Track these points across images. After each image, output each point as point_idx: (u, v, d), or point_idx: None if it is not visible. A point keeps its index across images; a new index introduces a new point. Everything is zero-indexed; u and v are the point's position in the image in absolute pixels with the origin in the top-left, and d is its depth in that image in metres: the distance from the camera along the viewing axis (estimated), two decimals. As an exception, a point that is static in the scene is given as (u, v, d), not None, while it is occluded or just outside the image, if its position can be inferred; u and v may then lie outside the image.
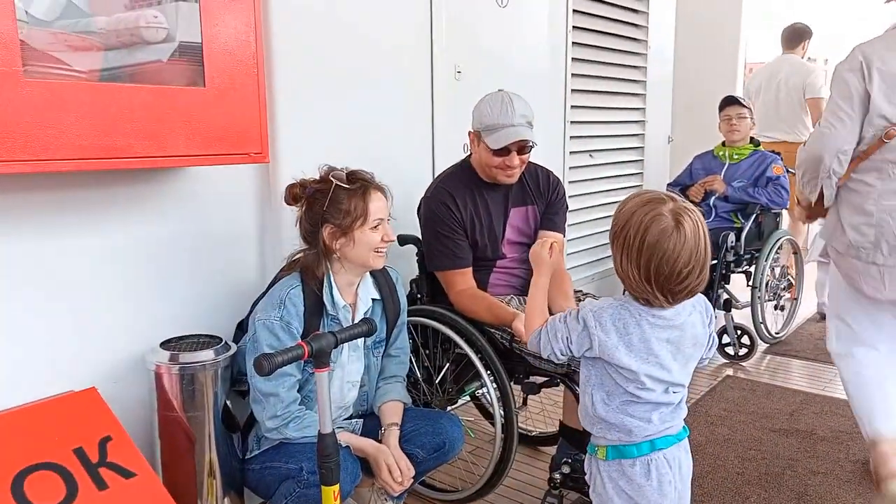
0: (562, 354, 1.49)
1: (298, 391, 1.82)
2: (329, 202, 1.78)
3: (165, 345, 1.84)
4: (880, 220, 2.08)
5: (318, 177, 1.84)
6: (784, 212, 4.01)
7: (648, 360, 1.41)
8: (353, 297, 1.91)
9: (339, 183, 1.78)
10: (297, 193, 1.84)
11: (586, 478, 1.57)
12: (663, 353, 1.42)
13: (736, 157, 3.77)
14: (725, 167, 3.76)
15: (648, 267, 1.33)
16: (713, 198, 3.70)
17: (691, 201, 3.56)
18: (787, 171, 3.76)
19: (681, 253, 1.32)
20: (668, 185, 3.99)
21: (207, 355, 1.80)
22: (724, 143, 3.85)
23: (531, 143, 2.17)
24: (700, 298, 1.49)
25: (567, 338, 1.46)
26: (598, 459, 1.51)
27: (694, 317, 1.47)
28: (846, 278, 2.24)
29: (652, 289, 1.35)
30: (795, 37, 4.84)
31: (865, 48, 2.10)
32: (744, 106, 3.77)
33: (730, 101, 3.79)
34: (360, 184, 1.80)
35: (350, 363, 1.91)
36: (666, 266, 1.32)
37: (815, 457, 2.61)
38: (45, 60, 1.45)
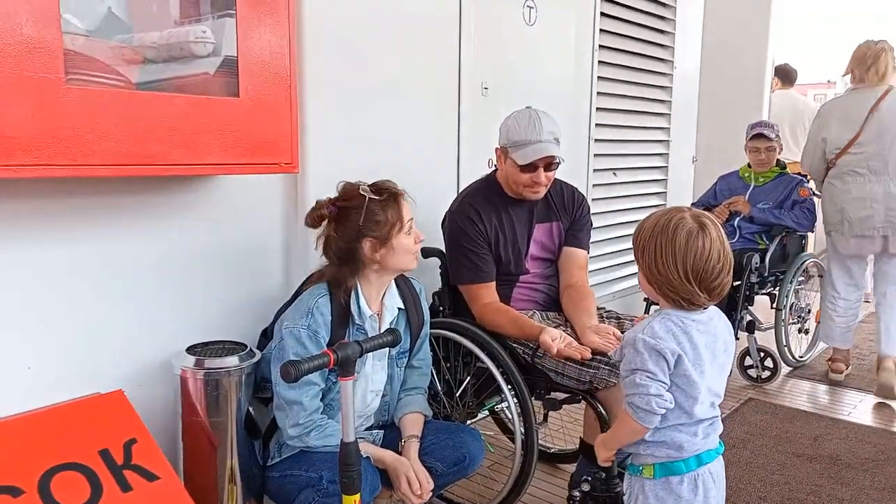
0: (665, 392, 1.39)
1: (321, 400, 1.83)
2: (365, 216, 1.79)
3: (191, 350, 1.86)
4: (842, 209, 3.39)
5: (336, 194, 1.85)
6: (810, 234, 3.97)
7: (700, 367, 1.42)
8: (379, 306, 1.92)
9: (372, 196, 1.80)
10: (325, 214, 1.83)
11: (625, 498, 1.55)
12: (707, 358, 1.43)
13: (762, 179, 3.75)
14: (751, 189, 3.74)
15: (686, 264, 1.38)
16: (738, 219, 3.68)
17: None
18: (814, 193, 3.73)
19: (711, 251, 1.38)
20: (692, 204, 3.97)
21: (232, 361, 1.82)
22: (749, 165, 3.82)
23: (558, 160, 2.18)
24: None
25: (650, 375, 1.38)
26: (643, 479, 1.48)
27: (721, 323, 1.49)
28: (830, 241, 3.55)
29: (693, 286, 1.39)
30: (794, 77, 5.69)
31: (827, 106, 3.56)
32: (772, 139, 3.72)
33: (758, 136, 3.71)
34: (388, 193, 1.83)
35: (374, 373, 1.92)
36: (701, 261, 1.38)
37: (840, 483, 2.57)
38: (88, 69, 1.50)
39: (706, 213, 1.44)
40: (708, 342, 1.44)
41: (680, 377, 1.41)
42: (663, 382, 1.39)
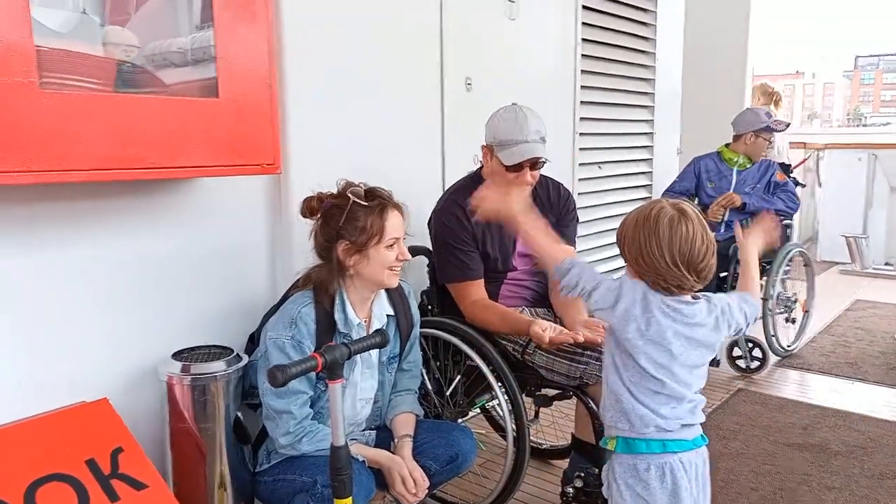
0: (582, 291, 1.50)
1: (311, 407, 1.80)
2: (345, 218, 1.76)
3: (177, 356, 1.84)
4: None
5: (335, 191, 1.83)
6: (795, 223, 4.00)
7: (660, 344, 1.45)
8: (368, 313, 1.89)
9: (356, 199, 1.77)
10: (314, 206, 1.82)
11: (604, 489, 1.56)
12: (675, 344, 1.46)
13: (749, 166, 3.75)
14: (734, 173, 3.74)
15: (672, 250, 1.42)
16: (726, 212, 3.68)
17: (709, 221, 3.54)
18: (789, 178, 3.78)
19: (694, 234, 1.43)
20: (670, 187, 3.93)
21: (219, 366, 1.80)
22: (727, 145, 3.82)
23: (544, 160, 2.17)
24: (719, 301, 1.54)
25: (598, 283, 1.49)
26: (613, 463, 1.52)
27: (710, 319, 1.51)
28: None
29: (682, 271, 1.42)
30: None
31: None
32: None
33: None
34: (377, 201, 1.79)
35: (363, 380, 1.89)
36: (687, 245, 1.42)
37: (830, 472, 2.58)
38: (63, 71, 1.47)
39: (681, 201, 1.48)
40: (685, 331, 1.46)
41: (621, 336, 1.47)
42: (589, 296, 1.50)
